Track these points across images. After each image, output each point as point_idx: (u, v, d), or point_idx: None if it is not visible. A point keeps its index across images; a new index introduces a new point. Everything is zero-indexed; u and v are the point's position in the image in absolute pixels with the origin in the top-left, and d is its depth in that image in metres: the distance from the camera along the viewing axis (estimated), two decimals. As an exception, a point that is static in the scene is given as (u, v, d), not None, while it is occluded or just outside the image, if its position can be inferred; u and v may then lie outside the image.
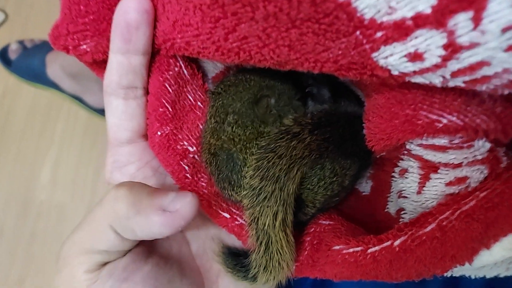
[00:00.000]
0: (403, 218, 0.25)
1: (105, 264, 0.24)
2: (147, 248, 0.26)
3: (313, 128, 0.24)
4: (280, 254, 0.24)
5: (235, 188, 0.25)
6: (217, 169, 0.26)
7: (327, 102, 0.26)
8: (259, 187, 0.23)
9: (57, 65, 1.05)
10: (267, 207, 0.23)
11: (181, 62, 0.27)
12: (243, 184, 0.25)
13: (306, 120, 0.24)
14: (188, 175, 0.27)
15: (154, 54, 0.26)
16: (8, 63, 1.12)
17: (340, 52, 0.18)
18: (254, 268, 0.25)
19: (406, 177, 0.24)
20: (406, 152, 0.24)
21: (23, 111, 1.14)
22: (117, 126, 0.27)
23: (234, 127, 0.26)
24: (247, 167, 0.24)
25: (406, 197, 0.25)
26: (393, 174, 0.26)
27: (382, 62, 0.18)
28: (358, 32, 0.17)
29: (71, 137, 1.11)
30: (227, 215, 0.27)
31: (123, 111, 0.27)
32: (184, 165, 0.27)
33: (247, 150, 0.25)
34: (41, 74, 1.07)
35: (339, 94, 0.27)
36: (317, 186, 0.25)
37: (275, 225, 0.23)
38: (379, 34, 0.17)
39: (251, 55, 0.20)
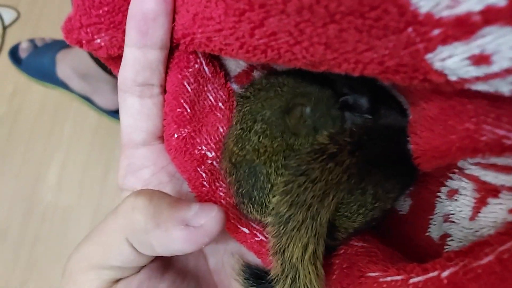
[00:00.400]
0: (449, 245, 0.22)
1: (117, 281, 0.22)
2: (163, 264, 0.24)
3: (352, 149, 0.20)
4: None
5: (255, 206, 0.23)
6: (237, 181, 0.23)
7: (365, 113, 0.23)
8: (287, 215, 0.20)
9: (67, 64, 1.04)
10: (297, 238, 0.20)
11: (202, 59, 0.24)
12: (265, 203, 0.22)
13: (344, 138, 0.20)
14: (205, 183, 0.25)
15: (172, 49, 0.24)
16: (18, 61, 1.12)
17: (387, 52, 0.15)
18: None
19: (456, 200, 0.21)
20: (457, 170, 0.20)
21: (32, 111, 1.13)
22: (131, 127, 0.25)
23: (261, 137, 0.23)
24: (274, 191, 0.21)
25: (454, 222, 0.21)
26: (438, 194, 0.23)
27: (437, 65, 0.15)
28: (410, 29, 0.15)
29: (79, 138, 1.08)
30: (246, 230, 0.24)
31: (138, 111, 0.24)
32: (201, 172, 0.25)
33: (272, 163, 0.22)
34: (50, 73, 1.07)
35: (379, 100, 0.24)
36: (356, 213, 0.22)
37: (304, 258, 0.20)
38: (436, 31, 0.14)
39: (280, 53, 0.18)
